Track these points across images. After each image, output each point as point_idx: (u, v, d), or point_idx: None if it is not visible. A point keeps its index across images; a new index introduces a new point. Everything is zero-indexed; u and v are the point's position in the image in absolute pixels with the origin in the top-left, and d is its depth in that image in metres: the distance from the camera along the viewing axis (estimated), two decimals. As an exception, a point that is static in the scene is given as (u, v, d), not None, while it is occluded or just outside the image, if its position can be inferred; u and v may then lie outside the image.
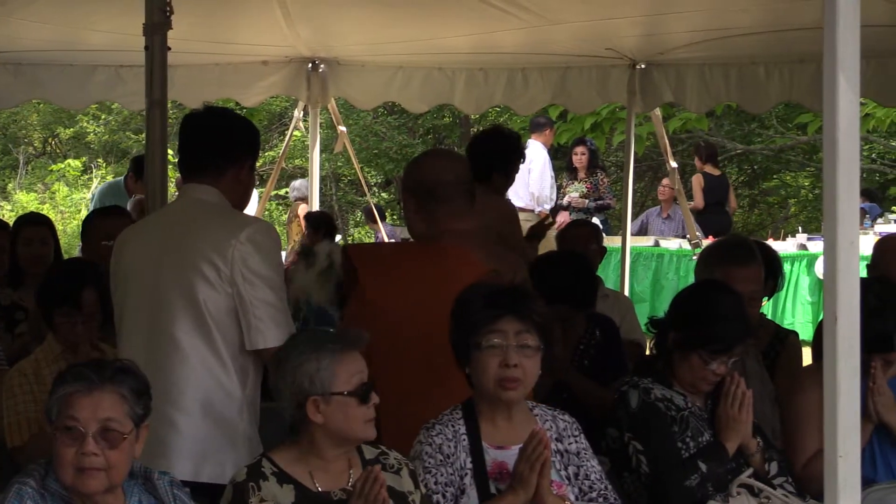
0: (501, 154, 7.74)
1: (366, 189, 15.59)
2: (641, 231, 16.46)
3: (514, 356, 4.37)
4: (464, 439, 4.41)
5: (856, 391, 3.43)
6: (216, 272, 4.72)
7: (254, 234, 4.78)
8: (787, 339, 6.12)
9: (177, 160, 5.21)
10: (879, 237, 9.33)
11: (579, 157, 15.81)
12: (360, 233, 25.81)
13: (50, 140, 31.29)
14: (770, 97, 10.27)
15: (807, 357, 6.13)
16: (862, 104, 10.32)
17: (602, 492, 4.53)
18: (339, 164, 25.86)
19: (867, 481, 4.93)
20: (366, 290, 5.15)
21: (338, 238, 14.77)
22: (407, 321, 5.00)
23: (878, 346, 5.02)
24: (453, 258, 5.10)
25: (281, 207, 25.83)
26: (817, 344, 6.21)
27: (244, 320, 4.73)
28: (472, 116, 25.68)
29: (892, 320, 5.10)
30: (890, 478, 5.05)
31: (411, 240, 5.48)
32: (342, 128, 12.77)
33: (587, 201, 15.68)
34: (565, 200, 15.71)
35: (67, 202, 26.53)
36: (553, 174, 15.45)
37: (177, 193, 5.82)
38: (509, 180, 7.88)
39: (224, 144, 4.95)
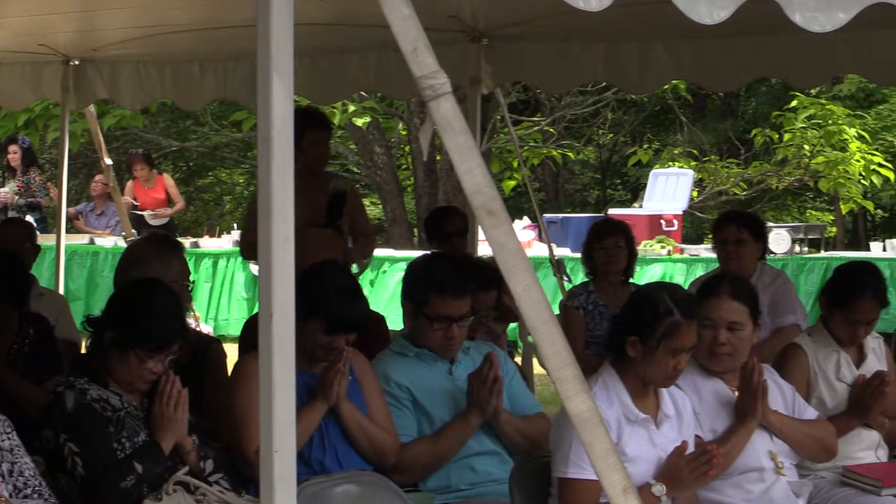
0: None
1: None
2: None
3: None
4: None
5: (291, 387, 3.48)
6: None
7: None
8: (210, 348, 6.14)
9: None
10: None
11: (13, 155, 15.58)
12: None
13: None
14: (205, 94, 10.34)
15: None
16: (296, 101, 10.53)
17: (37, 488, 4.46)
18: None
19: (316, 462, 5.12)
20: None
21: None
22: None
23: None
24: None
25: None
26: (244, 339, 6.31)
27: None
28: None
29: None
30: (334, 461, 5.17)
31: None
32: None
33: (17, 198, 15.42)
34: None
35: None
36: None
37: None
38: None
39: None
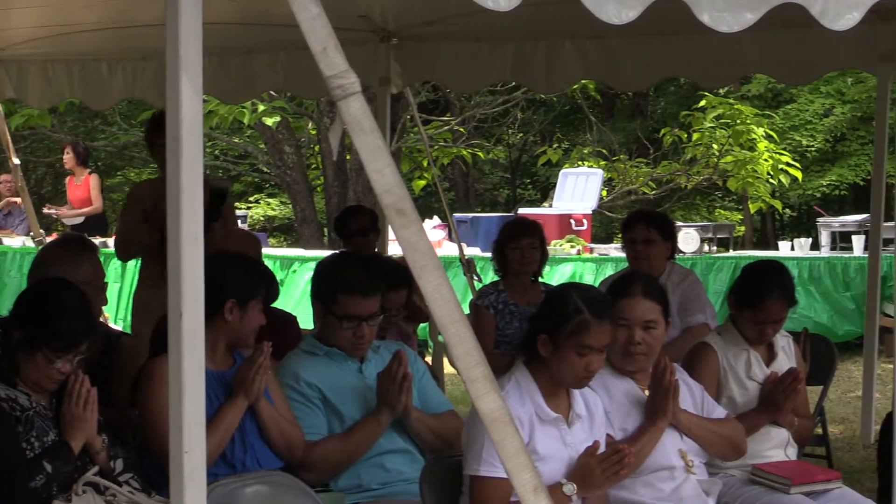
0: None
1: None
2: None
3: None
4: None
5: (201, 386, 3.46)
6: None
7: None
8: (119, 341, 6.08)
9: None
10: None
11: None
12: None
13: None
14: (113, 94, 10.28)
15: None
16: (205, 101, 10.48)
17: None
18: None
19: (238, 462, 5.11)
20: None
21: None
22: None
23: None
24: None
25: None
26: (155, 338, 6.25)
27: None
28: None
29: None
30: (253, 459, 5.15)
31: None
32: None
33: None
34: None
35: None
36: None
37: None
38: None
39: None
